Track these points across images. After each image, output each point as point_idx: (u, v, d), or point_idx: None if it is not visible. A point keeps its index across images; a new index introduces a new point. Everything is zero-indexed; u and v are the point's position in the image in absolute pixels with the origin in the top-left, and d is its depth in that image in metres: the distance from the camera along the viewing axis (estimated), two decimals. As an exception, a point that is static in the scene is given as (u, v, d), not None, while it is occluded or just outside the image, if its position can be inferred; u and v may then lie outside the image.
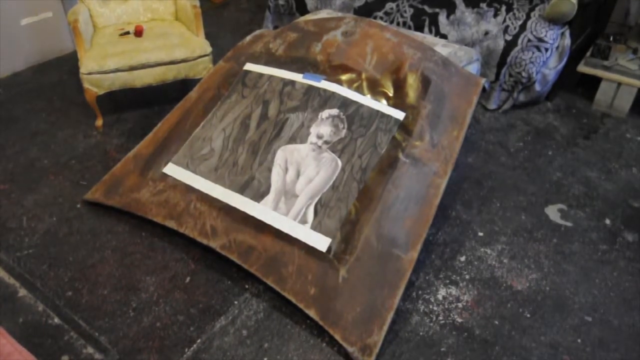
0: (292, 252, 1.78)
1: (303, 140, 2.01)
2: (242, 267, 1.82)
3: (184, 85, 2.97)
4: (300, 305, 1.70)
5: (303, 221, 1.82)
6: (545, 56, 2.82)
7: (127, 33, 2.81)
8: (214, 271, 1.94)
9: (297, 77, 2.17)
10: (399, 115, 2.02)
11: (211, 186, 1.98)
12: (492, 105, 3.01)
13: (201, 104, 2.28)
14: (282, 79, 2.18)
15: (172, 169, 2.07)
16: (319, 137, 2.00)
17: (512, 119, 2.93)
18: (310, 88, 2.12)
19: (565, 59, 2.92)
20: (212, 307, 1.81)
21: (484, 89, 2.25)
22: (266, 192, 1.91)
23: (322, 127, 2.02)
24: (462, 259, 2.03)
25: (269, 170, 1.97)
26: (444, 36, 3.00)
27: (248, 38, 2.58)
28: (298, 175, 1.94)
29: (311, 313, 1.68)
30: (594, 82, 3.00)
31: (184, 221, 1.95)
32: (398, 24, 3.14)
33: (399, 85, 2.09)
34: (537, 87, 2.92)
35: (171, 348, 1.67)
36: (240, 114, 2.14)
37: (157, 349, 1.66)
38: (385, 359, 1.65)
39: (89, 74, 2.56)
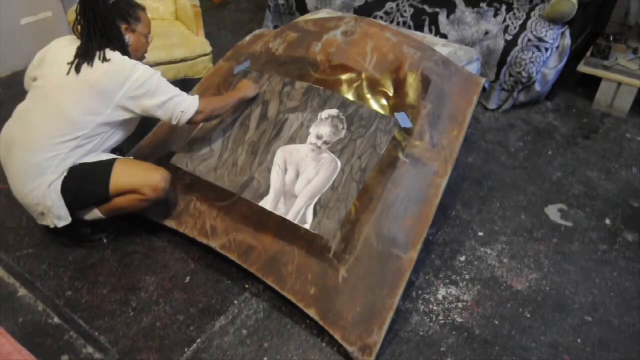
0: (292, 252, 1.78)
1: (302, 141, 2.01)
2: (242, 267, 1.82)
3: (184, 85, 2.96)
4: (300, 305, 1.70)
5: (302, 222, 1.82)
6: (546, 56, 2.82)
7: (127, 33, 2.80)
8: (214, 271, 1.94)
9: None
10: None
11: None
12: (492, 105, 3.01)
13: (201, 104, 2.28)
14: (282, 79, 2.18)
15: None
16: (319, 137, 2.00)
17: (512, 119, 2.93)
18: (310, 88, 2.12)
19: (565, 59, 2.92)
20: (212, 307, 1.81)
21: (484, 89, 2.25)
22: (265, 192, 1.91)
23: (322, 128, 2.02)
24: (462, 259, 2.03)
25: (269, 170, 1.96)
26: (444, 36, 3.00)
27: (248, 38, 2.58)
28: (297, 175, 1.93)
29: (311, 313, 1.68)
30: (594, 82, 3.00)
31: (184, 221, 1.95)
32: (398, 23, 3.14)
33: (399, 85, 2.09)
34: (538, 87, 2.92)
35: (171, 348, 1.67)
36: (240, 114, 2.14)
37: (157, 349, 1.66)
38: (385, 359, 1.65)
39: (89, 73, 2.56)
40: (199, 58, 2.74)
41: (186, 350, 1.67)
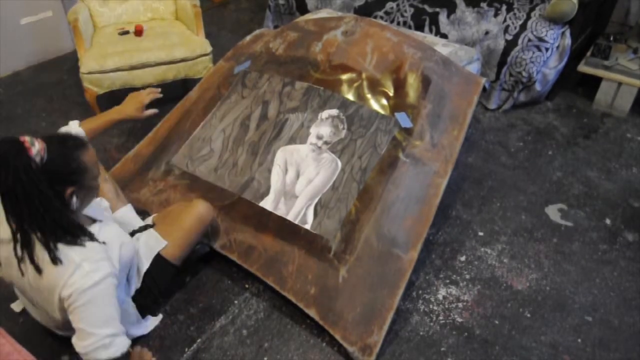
0: (292, 252, 1.78)
1: (303, 141, 2.01)
2: (242, 267, 1.82)
3: (184, 85, 2.97)
4: (300, 305, 1.70)
5: (303, 222, 1.82)
6: (546, 56, 2.82)
7: (127, 32, 2.81)
8: (214, 271, 1.94)
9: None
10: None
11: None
12: (492, 105, 3.01)
13: (201, 104, 2.28)
14: (282, 79, 2.18)
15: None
16: (319, 137, 2.00)
17: (513, 119, 2.93)
18: (310, 88, 2.12)
19: (565, 59, 2.92)
20: (212, 306, 1.81)
21: (484, 89, 2.24)
22: (266, 192, 1.91)
23: (322, 128, 2.02)
24: (462, 258, 2.03)
25: (269, 171, 1.96)
26: (444, 36, 3.00)
27: (248, 37, 2.58)
28: (298, 176, 1.93)
29: (311, 313, 1.68)
30: (594, 82, 3.00)
31: (184, 221, 1.95)
32: (398, 23, 3.13)
33: (399, 85, 2.09)
34: (538, 86, 2.92)
35: (171, 348, 1.67)
36: (240, 115, 2.14)
37: (157, 348, 1.66)
38: (385, 359, 1.65)
39: (89, 73, 2.56)
40: (199, 58, 2.74)
41: (186, 350, 1.67)
